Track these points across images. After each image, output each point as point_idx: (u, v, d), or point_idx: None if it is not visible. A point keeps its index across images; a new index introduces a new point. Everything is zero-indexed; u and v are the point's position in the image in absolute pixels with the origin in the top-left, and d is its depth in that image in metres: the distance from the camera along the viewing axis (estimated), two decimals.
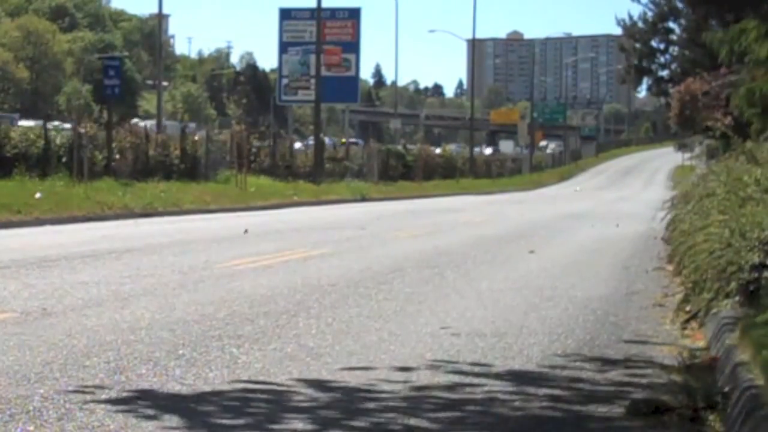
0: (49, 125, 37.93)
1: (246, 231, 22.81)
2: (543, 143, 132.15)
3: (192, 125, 76.42)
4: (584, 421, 6.78)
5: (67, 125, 39.50)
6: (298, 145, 65.69)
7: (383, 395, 7.30)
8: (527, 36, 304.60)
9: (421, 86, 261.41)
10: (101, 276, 13.68)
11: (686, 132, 39.85)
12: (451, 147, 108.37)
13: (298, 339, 9.40)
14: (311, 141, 63.17)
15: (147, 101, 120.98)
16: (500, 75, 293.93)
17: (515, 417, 6.81)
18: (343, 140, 75.75)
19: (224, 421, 6.48)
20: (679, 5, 40.22)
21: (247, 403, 6.98)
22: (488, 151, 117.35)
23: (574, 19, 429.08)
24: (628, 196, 59.01)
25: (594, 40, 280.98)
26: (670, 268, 15.60)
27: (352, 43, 69.91)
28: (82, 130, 34.18)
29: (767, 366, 6.66)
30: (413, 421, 6.58)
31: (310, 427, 6.41)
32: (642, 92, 70.94)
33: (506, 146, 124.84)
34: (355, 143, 78.48)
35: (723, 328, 8.89)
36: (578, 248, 21.12)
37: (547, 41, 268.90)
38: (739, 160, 15.91)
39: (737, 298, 9.70)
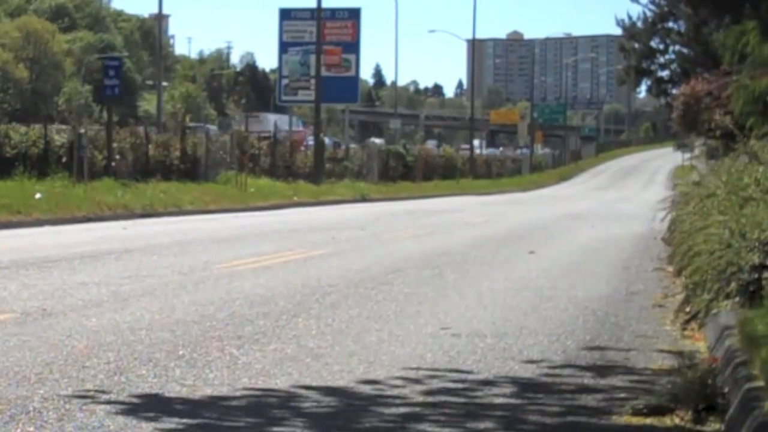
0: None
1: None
2: (475, 143, 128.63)
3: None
4: (584, 423, 6.78)
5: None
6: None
7: (382, 396, 7.29)
8: (527, 36, 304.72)
9: (421, 86, 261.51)
10: (101, 276, 13.68)
11: (688, 133, 39.83)
12: (431, 143, 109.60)
13: (298, 340, 9.39)
14: (311, 141, 63.13)
15: (147, 101, 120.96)
16: (500, 75, 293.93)
17: (514, 419, 6.81)
18: None
19: (224, 422, 6.48)
20: (681, 6, 40.21)
21: (247, 404, 6.98)
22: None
23: (574, 19, 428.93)
24: (628, 197, 59.01)
25: (594, 40, 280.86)
26: (670, 268, 15.60)
27: (352, 44, 69.87)
28: (82, 131, 34.16)
29: (767, 366, 6.66)
30: (411, 424, 6.57)
31: (309, 429, 6.40)
32: (642, 93, 70.95)
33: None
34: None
35: (723, 329, 8.88)
36: (578, 249, 21.12)
37: (547, 41, 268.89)
38: (740, 159, 15.90)
39: (737, 299, 9.69)
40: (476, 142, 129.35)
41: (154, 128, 52.13)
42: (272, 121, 71.97)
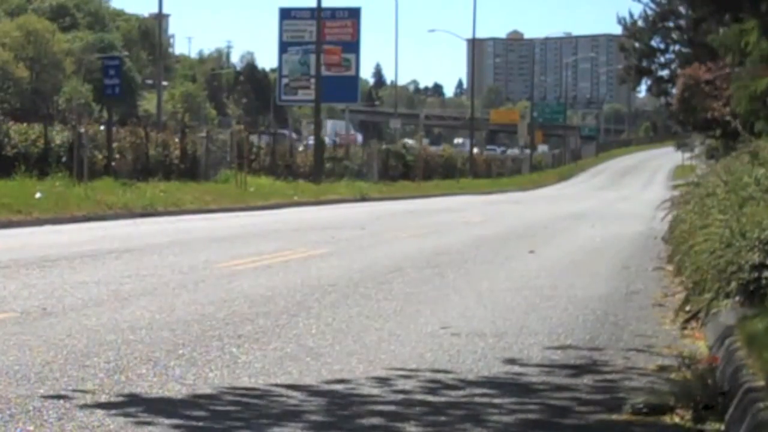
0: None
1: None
2: (459, 141, 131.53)
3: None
4: (584, 422, 6.78)
5: None
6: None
7: (381, 395, 7.29)
8: (527, 36, 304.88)
9: (421, 86, 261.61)
10: (101, 276, 13.68)
11: (686, 120, 39.76)
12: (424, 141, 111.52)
13: (298, 339, 9.39)
14: (311, 140, 63.17)
15: (147, 101, 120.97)
16: (500, 75, 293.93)
17: (514, 419, 6.81)
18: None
19: (224, 421, 6.48)
20: (681, 8, 40.20)
21: (247, 404, 6.98)
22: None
23: (574, 19, 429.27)
24: (628, 196, 59.01)
25: (594, 40, 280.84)
26: (670, 268, 15.59)
27: (352, 43, 69.89)
28: (82, 130, 34.17)
29: (767, 366, 6.66)
30: (410, 424, 6.57)
31: (308, 430, 6.40)
32: (642, 92, 70.93)
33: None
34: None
35: (723, 328, 8.88)
36: (578, 248, 21.12)
37: (547, 41, 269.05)
38: (740, 159, 15.88)
39: (737, 298, 9.69)
40: (460, 140, 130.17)
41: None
42: (329, 125, 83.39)
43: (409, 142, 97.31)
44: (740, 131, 16.51)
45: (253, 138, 52.98)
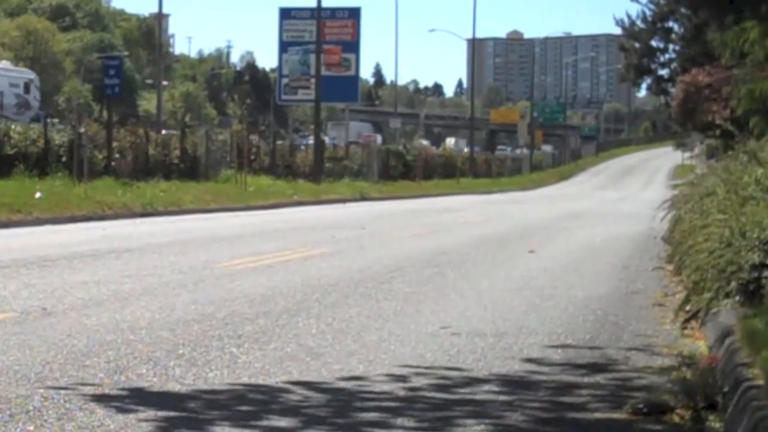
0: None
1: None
2: (451, 141, 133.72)
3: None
4: (584, 422, 6.78)
5: None
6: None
7: (382, 396, 7.30)
8: (527, 36, 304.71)
9: (421, 86, 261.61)
10: (101, 276, 13.68)
11: (686, 124, 39.77)
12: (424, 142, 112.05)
13: (298, 339, 9.40)
14: (311, 140, 63.16)
15: (147, 101, 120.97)
16: (500, 74, 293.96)
17: (514, 418, 6.81)
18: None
19: (223, 421, 6.48)
20: (681, 7, 40.20)
21: (247, 403, 6.98)
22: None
23: (574, 18, 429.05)
24: (628, 196, 59.00)
25: (594, 40, 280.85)
26: (670, 267, 15.60)
27: (352, 43, 69.85)
28: (82, 130, 34.16)
29: (767, 366, 6.66)
30: (411, 422, 6.58)
31: (309, 428, 6.40)
32: (642, 92, 70.97)
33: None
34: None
35: (723, 328, 8.89)
36: (578, 248, 21.12)
37: (547, 41, 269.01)
38: (739, 159, 15.89)
39: (737, 298, 9.69)
40: (452, 141, 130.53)
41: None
42: (351, 127, 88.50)
43: (424, 142, 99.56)
44: (735, 132, 16.53)
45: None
